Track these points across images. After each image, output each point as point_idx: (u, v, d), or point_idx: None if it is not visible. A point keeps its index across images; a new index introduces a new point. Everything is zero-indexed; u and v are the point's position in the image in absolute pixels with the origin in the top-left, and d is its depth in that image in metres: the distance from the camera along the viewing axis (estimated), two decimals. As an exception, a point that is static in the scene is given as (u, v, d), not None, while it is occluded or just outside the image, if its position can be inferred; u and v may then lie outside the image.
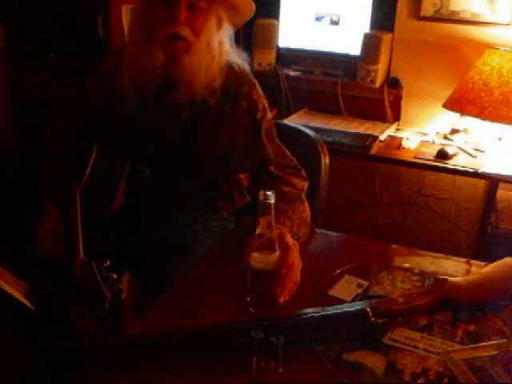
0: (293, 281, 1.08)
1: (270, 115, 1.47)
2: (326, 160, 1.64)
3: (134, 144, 1.47)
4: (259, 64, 2.54)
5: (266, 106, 1.47)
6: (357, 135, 2.27)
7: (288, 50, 2.59)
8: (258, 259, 1.03)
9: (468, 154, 2.17)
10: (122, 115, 1.43)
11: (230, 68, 1.42)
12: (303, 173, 1.43)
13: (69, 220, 1.17)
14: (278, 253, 1.05)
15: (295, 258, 1.11)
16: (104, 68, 1.51)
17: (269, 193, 1.01)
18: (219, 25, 1.37)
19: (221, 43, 1.38)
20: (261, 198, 1.01)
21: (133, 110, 1.40)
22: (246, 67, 1.46)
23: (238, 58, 1.44)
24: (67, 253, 1.19)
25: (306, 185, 1.41)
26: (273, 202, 1.01)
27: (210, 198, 1.54)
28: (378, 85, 2.42)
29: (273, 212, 1.02)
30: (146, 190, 1.51)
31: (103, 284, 1.08)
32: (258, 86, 1.46)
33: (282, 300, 1.05)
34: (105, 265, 1.10)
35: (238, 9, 1.40)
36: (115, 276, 1.10)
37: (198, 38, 1.32)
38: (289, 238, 1.13)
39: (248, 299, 1.06)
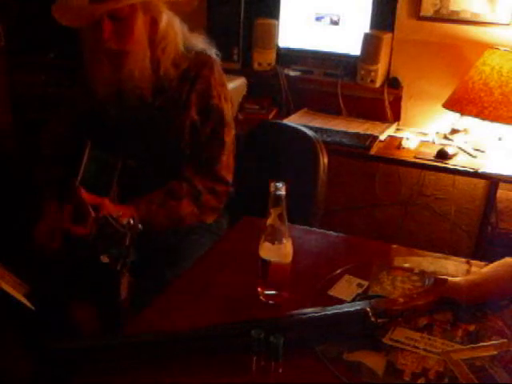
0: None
1: (226, 105, 1.50)
2: (324, 160, 1.64)
3: (121, 140, 1.49)
4: (259, 64, 2.53)
5: (224, 93, 1.49)
6: (357, 135, 2.27)
7: (288, 49, 2.58)
8: (268, 249, 1.05)
9: (468, 153, 2.17)
10: (105, 115, 1.47)
11: (190, 52, 1.46)
12: (222, 190, 1.48)
13: (72, 192, 1.25)
14: (288, 243, 1.06)
15: None
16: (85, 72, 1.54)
17: (279, 184, 1.02)
18: (155, 21, 1.40)
19: (166, 35, 1.42)
20: (272, 189, 1.02)
21: (112, 108, 1.45)
22: (213, 52, 1.50)
23: (199, 42, 1.49)
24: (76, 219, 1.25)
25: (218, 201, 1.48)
26: (283, 193, 1.02)
27: None
28: (378, 85, 2.41)
29: (283, 203, 1.03)
30: (136, 188, 1.52)
31: (119, 226, 1.12)
32: (216, 73, 1.48)
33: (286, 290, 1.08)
34: (115, 215, 1.14)
35: None
36: (131, 220, 1.14)
37: (131, 43, 1.37)
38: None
39: (259, 289, 1.09)
